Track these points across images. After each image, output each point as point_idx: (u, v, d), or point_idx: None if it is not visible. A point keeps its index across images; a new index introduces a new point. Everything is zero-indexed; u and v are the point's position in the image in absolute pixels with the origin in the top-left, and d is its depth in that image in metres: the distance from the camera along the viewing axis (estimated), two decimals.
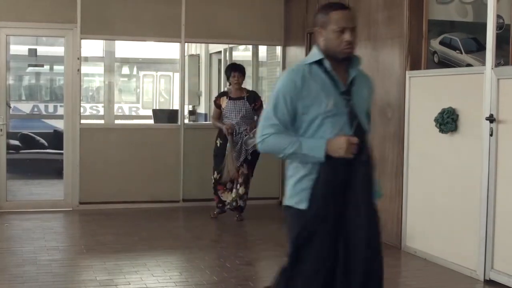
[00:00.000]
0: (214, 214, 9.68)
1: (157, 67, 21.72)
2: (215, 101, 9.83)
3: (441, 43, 7.87)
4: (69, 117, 10.32)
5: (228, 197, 9.53)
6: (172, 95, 21.10)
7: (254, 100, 9.59)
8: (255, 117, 9.41)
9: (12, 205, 10.22)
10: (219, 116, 9.67)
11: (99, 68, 18.21)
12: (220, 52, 16.98)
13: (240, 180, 9.41)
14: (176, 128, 10.86)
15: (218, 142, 9.61)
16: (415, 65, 7.75)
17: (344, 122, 3.92)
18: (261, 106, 9.55)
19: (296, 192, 3.97)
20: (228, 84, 9.88)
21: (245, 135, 9.36)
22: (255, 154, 9.35)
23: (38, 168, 13.76)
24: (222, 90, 10.03)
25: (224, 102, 9.59)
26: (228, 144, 9.38)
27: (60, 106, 15.47)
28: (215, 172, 9.55)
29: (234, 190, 9.44)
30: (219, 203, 9.64)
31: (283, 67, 11.30)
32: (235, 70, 9.64)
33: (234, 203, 9.46)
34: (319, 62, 3.97)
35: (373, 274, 4.06)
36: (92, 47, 16.32)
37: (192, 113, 17.04)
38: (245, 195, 9.51)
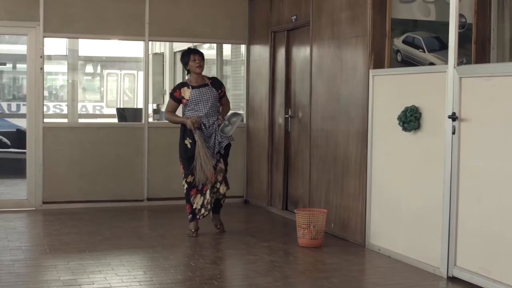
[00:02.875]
0: (193, 232, 8.50)
1: (121, 66, 21.63)
2: (172, 94, 8.64)
3: (404, 42, 7.92)
4: (32, 116, 10.24)
5: (198, 201, 8.46)
6: (136, 93, 21.04)
7: (220, 86, 8.65)
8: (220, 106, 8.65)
9: None
10: (176, 110, 8.70)
11: (63, 67, 18.13)
12: None
13: (219, 177, 8.50)
14: (140, 127, 10.82)
15: (187, 142, 8.43)
16: (378, 64, 7.79)
17: None
18: (225, 93, 8.74)
19: None
20: (186, 73, 8.78)
21: (219, 124, 8.42)
22: (228, 146, 8.56)
23: (1, 167, 13.68)
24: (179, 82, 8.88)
25: (186, 93, 8.50)
26: (197, 141, 8.31)
27: (23, 105, 15.36)
28: (189, 177, 8.42)
29: (206, 194, 8.47)
30: (191, 213, 8.52)
31: (248, 66, 11.31)
32: (195, 53, 8.60)
33: (208, 208, 8.52)
34: None
35: None
36: (55, 45, 16.22)
37: (156, 111, 16.98)
38: (225, 194, 8.67)
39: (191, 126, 8.35)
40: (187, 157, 8.44)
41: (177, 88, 8.68)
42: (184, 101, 8.57)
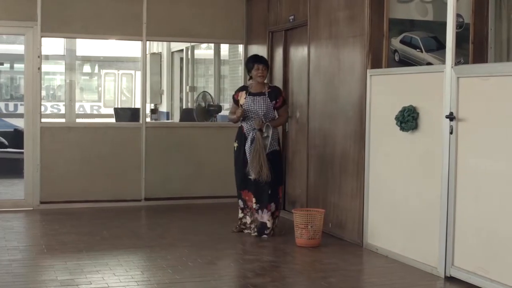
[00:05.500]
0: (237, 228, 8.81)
1: (118, 66, 21.65)
2: (233, 96, 8.76)
3: (401, 41, 7.92)
4: (29, 115, 10.24)
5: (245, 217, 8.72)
6: (134, 93, 21.06)
7: (275, 96, 8.51)
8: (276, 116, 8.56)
9: None
10: None
11: (60, 66, 18.12)
12: (182, 50, 16.94)
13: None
14: (138, 127, 10.81)
15: (235, 145, 8.66)
16: (376, 64, 7.79)
17: None
18: (282, 104, 8.58)
19: None
20: (248, 78, 8.85)
21: (260, 129, 8.36)
22: (274, 154, 8.46)
23: None
24: (242, 84, 8.79)
25: (242, 97, 8.54)
26: (255, 141, 8.30)
27: (21, 104, 15.38)
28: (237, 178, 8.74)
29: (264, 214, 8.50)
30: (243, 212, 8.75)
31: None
32: (259, 62, 8.61)
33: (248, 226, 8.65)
34: None
35: None
36: (53, 45, 16.23)
37: (154, 111, 17.00)
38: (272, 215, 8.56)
39: (258, 125, 8.34)
40: (234, 159, 8.71)
41: (237, 91, 8.75)
42: (240, 105, 8.56)
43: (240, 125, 8.64)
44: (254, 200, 8.51)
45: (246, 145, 8.42)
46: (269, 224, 8.46)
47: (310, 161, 9.12)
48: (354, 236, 8.09)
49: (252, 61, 8.69)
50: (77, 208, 10.23)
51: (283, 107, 8.65)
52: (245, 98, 8.53)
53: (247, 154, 8.39)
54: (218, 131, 11.09)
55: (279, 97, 8.57)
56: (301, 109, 9.60)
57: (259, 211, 8.49)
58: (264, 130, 8.39)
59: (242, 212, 8.74)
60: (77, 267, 6.94)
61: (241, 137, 8.56)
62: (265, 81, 8.72)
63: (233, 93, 8.85)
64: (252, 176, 8.37)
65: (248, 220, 8.69)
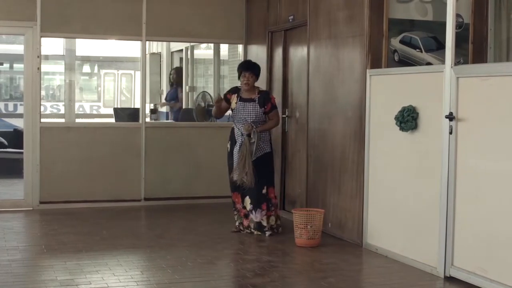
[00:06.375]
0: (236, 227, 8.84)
1: (118, 66, 21.60)
2: (225, 95, 8.74)
3: (401, 41, 7.92)
4: (29, 116, 10.23)
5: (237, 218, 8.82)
6: (133, 93, 21.02)
7: (264, 102, 8.52)
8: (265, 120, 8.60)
9: None
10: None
11: (60, 66, 18.10)
12: (181, 50, 16.92)
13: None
14: (137, 127, 10.81)
15: (228, 145, 8.73)
16: (375, 64, 7.79)
17: None
18: (271, 109, 8.60)
19: None
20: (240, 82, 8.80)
21: (248, 134, 8.41)
22: (265, 156, 8.59)
23: None
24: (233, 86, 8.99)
25: (233, 101, 8.61)
26: (242, 146, 8.41)
27: (20, 104, 15.36)
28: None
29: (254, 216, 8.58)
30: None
31: None
32: (246, 69, 8.61)
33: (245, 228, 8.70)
34: None
35: None
36: (52, 45, 16.21)
37: (153, 111, 16.98)
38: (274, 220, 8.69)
39: (245, 130, 8.39)
40: (227, 161, 8.74)
41: (230, 91, 8.76)
42: (231, 108, 8.67)
43: (232, 126, 8.71)
44: (243, 202, 8.61)
45: (235, 149, 8.49)
46: (264, 223, 8.49)
47: (310, 161, 9.11)
48: (354, 236, 8.09)
49: (240, 68, 8.71)
50: (77, 208, 10.22)
51: (273, 112, 8.65)
52: (236, 102, 8.59)
53: (234, 159, 8.45)
54: (218, 131, 11.08)
55: (267, 103, 8.57)
56: (300, 109, 9.60)
57: (253, 211, 8.54)
58: (251, 136, 8.41)
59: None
60: (76, 267, 6.94)
61: (232, 139, 8.63)
62: (255, 85, 8.71)
63: (226, 92, 8.91)
64: (236, 181, 8.43)
65: (236, 222, 8.80)
